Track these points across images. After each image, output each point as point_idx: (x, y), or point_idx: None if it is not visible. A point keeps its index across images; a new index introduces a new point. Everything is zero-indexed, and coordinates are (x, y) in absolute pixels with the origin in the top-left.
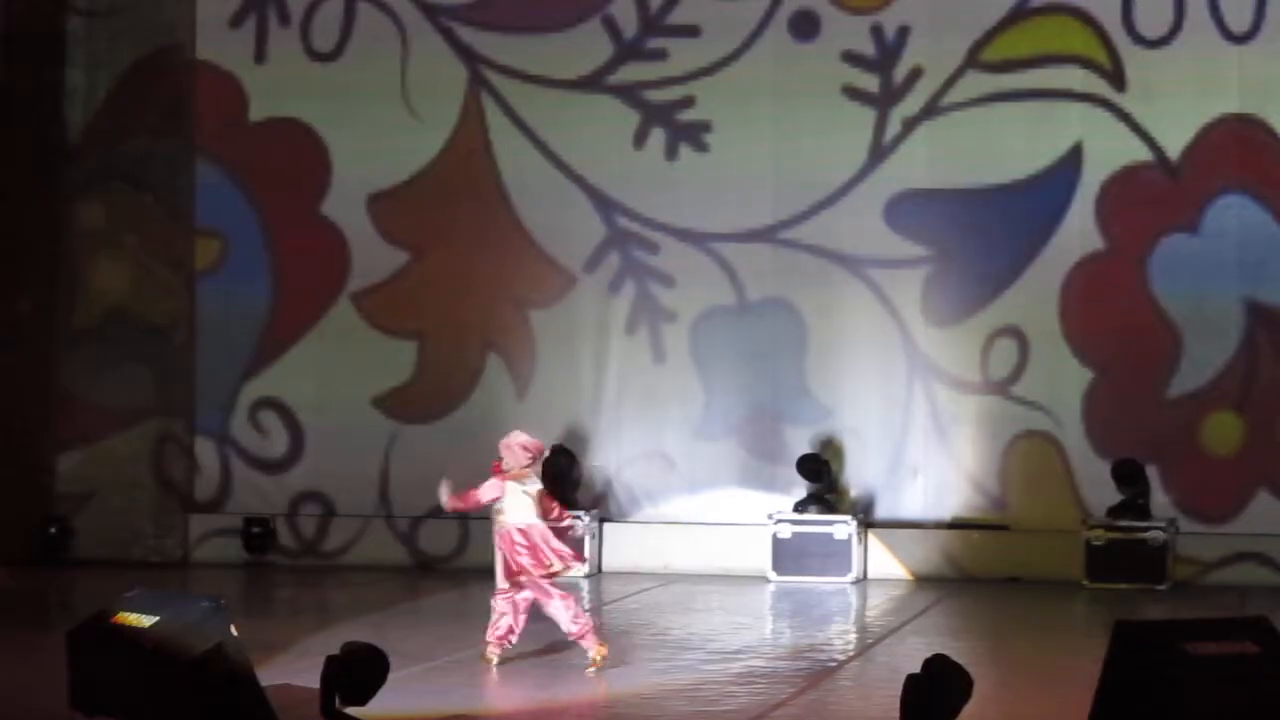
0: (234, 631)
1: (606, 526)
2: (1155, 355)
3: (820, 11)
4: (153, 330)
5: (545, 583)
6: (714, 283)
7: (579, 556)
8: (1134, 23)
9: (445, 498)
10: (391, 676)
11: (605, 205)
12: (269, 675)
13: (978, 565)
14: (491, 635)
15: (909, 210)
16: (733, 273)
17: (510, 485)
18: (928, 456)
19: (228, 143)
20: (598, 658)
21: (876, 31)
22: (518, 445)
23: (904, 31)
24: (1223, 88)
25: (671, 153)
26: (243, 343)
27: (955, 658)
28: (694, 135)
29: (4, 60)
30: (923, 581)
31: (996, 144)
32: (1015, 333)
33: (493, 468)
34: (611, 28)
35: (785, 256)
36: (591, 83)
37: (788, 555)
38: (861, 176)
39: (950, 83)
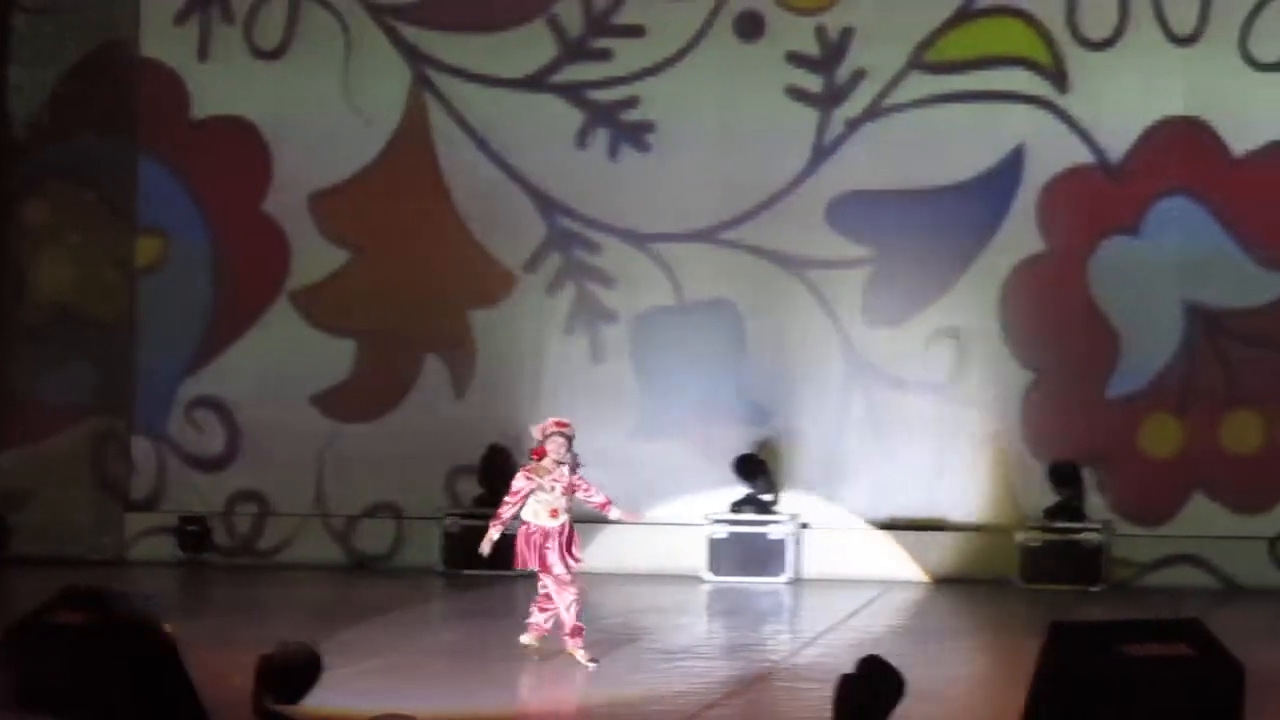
0: (168, 629)
1: None
2: (1095, 357)
3: (765, 12)
4: (94, 328)
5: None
6: (654, 283)
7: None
8: (1078, 25)
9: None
10: (325, 675)
11: (547, 205)
12: (202, 673)
13: (913, 566)
14: (541, 627)
15: (851, 211)
16: (673, 273)
17: (538, 482)
18: (865, 457)
19: (171, 140)
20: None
21: (820, 32)
22: (554, 430)
23: (848, 33)
24: (1166, 90)
25: (614, 153)
26: (184, 341)
27: (889, 658)
28: (637, 135)
29: None
30: (858, 582)
31: (939, 145)
32: (955, 334)
33: (534, 454)
34: (556, 27)
35: (726, 257)
36: (535, 82)
37: (723, 556)
38: (804, 177)
39: (893, 84)
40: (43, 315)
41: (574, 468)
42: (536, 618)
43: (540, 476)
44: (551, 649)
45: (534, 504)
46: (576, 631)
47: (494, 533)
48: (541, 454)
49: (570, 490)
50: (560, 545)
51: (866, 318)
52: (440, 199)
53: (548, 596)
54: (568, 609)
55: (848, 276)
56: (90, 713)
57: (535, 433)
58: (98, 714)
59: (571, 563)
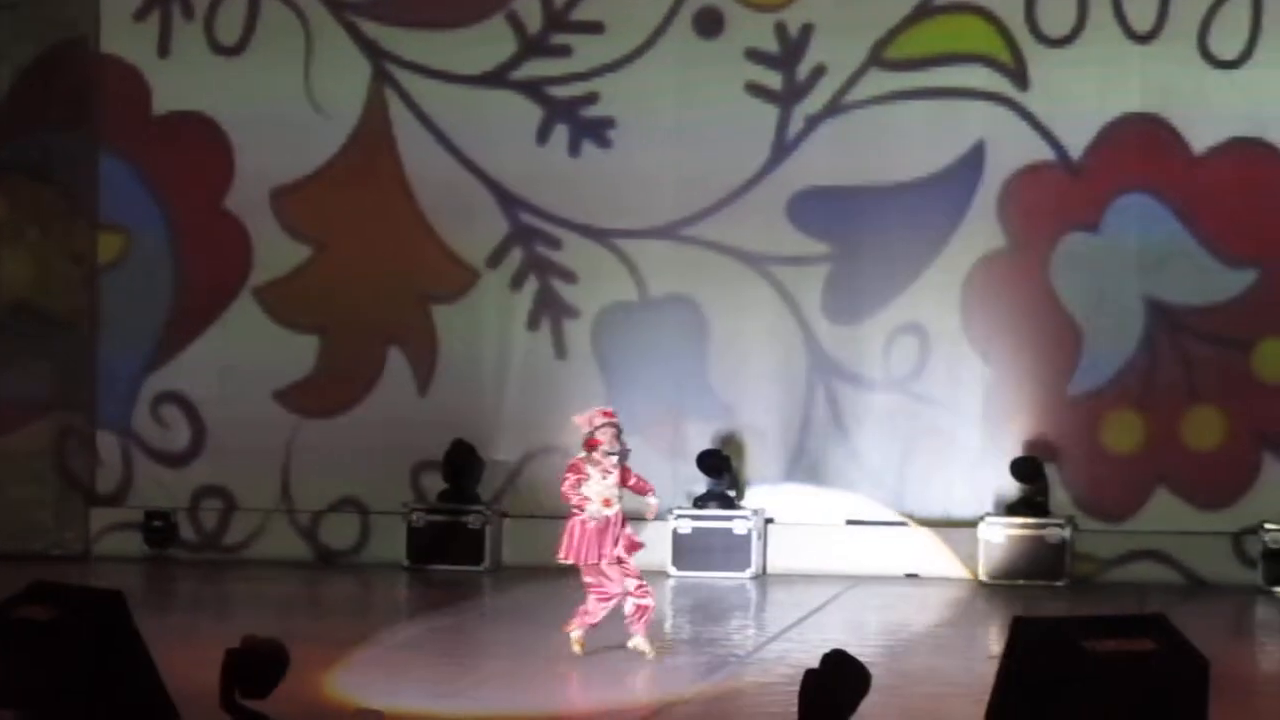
0: (134, 624)
1: (506, 522)
2: (1056, 353)
3: (724, 9)
4: (55, 324)
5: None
6: (616, 279)
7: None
8: (1037, 22)
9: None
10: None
11: (508, 201)
12: (169, 668)
13: (877, 561)
14: (587, 621)
15: (811, 207)
16: (635, 269)
17: (593, 472)
18: (829, 453)
19: (132, 137)
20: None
21: (780, 29)
22: (603, 420)
23: (808, 29)
24: (1125, 87)
25: (575, 149)
26: (145, 337)
27: (853, 653)
28: (597, 131)
29: None
30: (822, 577)
31: (899, 142)
32: (916, 330)
33: (587, 445)
34: (515, 23)
35: (687, 253)
36: (495, 78)
37: (688, 550)
38: (764, 173)
39: (853, 80)
40: (3, 312)
41: (623, 456)
42: (594, 610)
43: (594, 466)
44: (512, 650)
45: (588, 495)
46: (642, 614)
47: (590, 510)
48: (595, 444)
49: (622, 479)
50: (617, 533)
51: (828, 313)
52: (402, 194)
53: (601, 588)
54: (634, 593)
55: (809, 272)
56: (56, 707)
57: (582, 424)
58: (63, 709)
59: (632, 549)
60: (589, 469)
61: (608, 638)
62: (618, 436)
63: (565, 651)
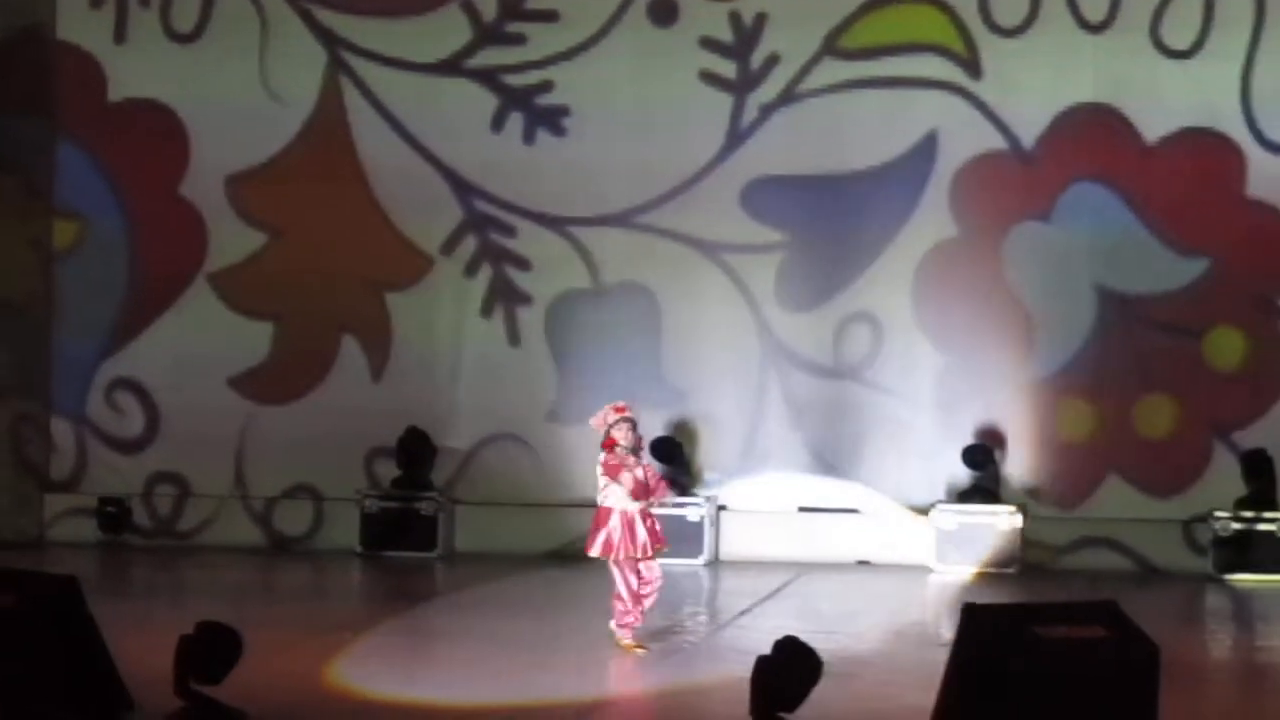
0: (88, 610)
1: (459, 508)
2: (1008, 341)
3: None
4: (10, 311)
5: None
6: (570, 267)
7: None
8: (990, 12)
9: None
10: (246, 655)
11: (463, 189)
12: (123, 654)
13: (829, 548)
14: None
15: (765, 196)
16: (589, 257)
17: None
18: (782, 440)
19: (88, 124)
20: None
21: (734, 18)
22: (617, 416)
23: (762, 18)
24: (1078, 77)
25: (529, 137)
26: (101, 323)
27: (805, 640)
28: (552, 120)
29: None
30: (774, 564)
31: (852, 131)
32: (869, 318)
33: (605, 445)
34: (471, 12)
35: (641, 241)
36: (450, 66)
37: None
38: (718, 162)
39: (807, 70)
40: None
41: (638, 450)
42: (630, 610)
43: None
44: (466, 640)
45: (618, 490)
46: (639, 618)
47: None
48: (613, 444)
49: (640, 478)
50: (649, 525)
51: (781, 302)
52: (357, 182)
53: (629, 583)
54: (656, 582)
55: (762, 261)
56: (10, 692)
57: (597, 425)
58: (17, 693)
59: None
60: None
61: (559, 626)
62: (634, 429)
63: (513, 640)
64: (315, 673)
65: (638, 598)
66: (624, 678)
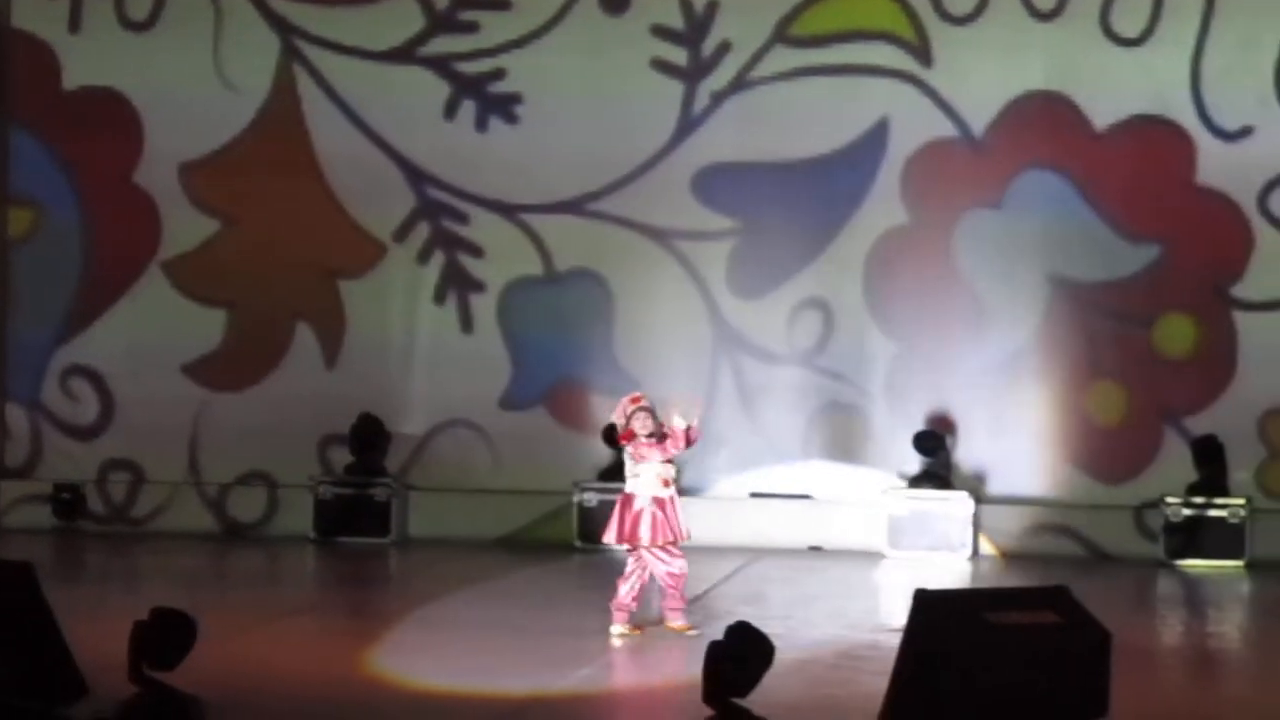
0: (43, 596)
1: (413, 495)
2: (959, 328)
3: None
4: None
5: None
6: (522, 253)
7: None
8: (941, 0)
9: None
10: (201, 641)
11: (416, 176)
12: (77, 640)
13: (781, 534)
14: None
15: (716, 183)
16: (541, 244)
17: (648, 453)
18: (734, 426)
19: (42, 112)
20: (681, 626)
21: (686, 6)
22: (634, 407)
23: (713, 6)
24: (1028, 64)
25: (482, 124)
26: (55, 310)
27: (757, 625)
28: (504, 107)
29: None
30: (726, 550)
31: (803, 118)
32: (820, 305)
33: (623, 439)
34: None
35: (593, 228)
36: (403, 54)
37: (595, 524)
38: (670, 149)
39: (758, 57)
40: None
41: (660, 435)
42: (627, 599)
43: (645, 452)
44: (416, 629)
45: (644, 477)
46: (681, 599)
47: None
48: (631, 435)
49: (669, 453)
50: (672, 513)
51: (733, 288)
52: (310, 169)
53: (640, 574)
54: (679, 574)
55: (714, 248)
56: None
57: (616, 418)
58: None
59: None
60: (645, 452)
61: (515, 612)
62: (652, 417)
63: (462, 629)
64: (269, 658)
65: (642, 589)
66: (576, 661)
